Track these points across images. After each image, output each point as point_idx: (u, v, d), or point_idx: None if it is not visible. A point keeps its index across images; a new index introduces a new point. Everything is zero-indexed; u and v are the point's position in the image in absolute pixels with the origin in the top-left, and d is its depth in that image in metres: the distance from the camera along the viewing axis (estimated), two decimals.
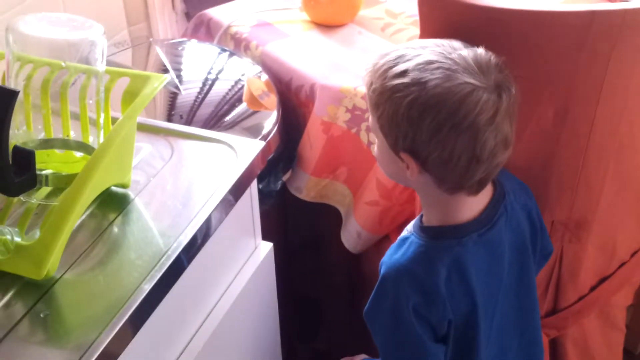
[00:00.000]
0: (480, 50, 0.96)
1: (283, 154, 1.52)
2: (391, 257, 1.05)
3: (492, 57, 0.96)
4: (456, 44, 0.97)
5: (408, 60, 0.95)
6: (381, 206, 1.47)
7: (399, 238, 1.09)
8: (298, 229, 1.77)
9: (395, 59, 0.97)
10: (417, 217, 1.10)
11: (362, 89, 1.44)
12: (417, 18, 1.12)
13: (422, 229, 1.07)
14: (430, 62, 0.94)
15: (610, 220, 1.22)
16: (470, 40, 0.99)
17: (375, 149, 1.07)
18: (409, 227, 1.10)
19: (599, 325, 1.40)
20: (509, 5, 1.02)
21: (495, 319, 1.10)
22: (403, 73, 0.94)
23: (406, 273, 1.02)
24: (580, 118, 1.09)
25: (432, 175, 0.99)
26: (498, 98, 0.94)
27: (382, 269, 1.05)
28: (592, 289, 1.32)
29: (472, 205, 1.04)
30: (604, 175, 1.16)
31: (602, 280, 1.32)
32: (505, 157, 0.99)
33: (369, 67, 1.01)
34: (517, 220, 1.10)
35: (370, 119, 1.03)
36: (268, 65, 1.63)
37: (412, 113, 0.93)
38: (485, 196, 1.06)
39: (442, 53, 0.95)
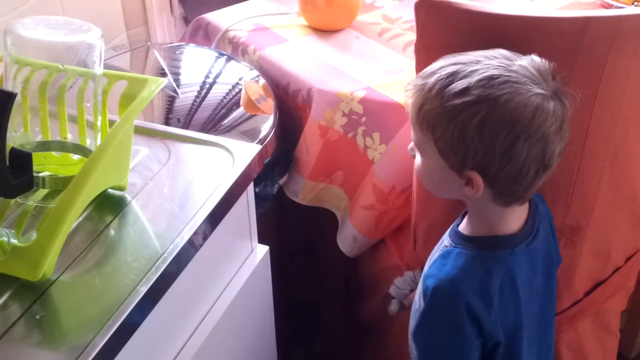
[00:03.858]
0: (536, 57, 0.95)
1: (280, 158, 1.52)
2: (440, 269, 1.02)
3: (546, 63, 0.95)
4: (506, 53, 0.95)
5: (465, 77, 0.92)
6: (377, 210, 1.47)
7: (441, 253, 1.06)
8: (294, 232, 1.77)
9: (449, 76, 0.93)
10: (453, 230, 1.08)
11: (359, 94, 1.45)
12: (414, 24, 1.12)
13: (469, 239, 1.05)
14: (494, 77, 0.91)
15: (604, 226, 1.23)
16: (466, 45, 1.00)
17: (418, 166, 1.04)
18: (448, 241, 1.07)
19: (593, 330, 1.41)
20: (505, 11, 1.03)
21: (528, 332, 1.09)
22: (464, 91, 0.91)
23: (463, 282, 1.00)
24: (575, 125, 1.09)
25: (495, 190, 0.97)
26: (562, 105, 0.93)
27: (431, 282, 1.01)
28: (587, 293, 1.32)
29: (520, 215, 1.04)
30: (598, 181, 1.16)
31: (597, 285, 1.32)
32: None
33: (411, 88, 0.98)
34: (546, 230, 1.10)
35: (416, 137, 1.00)
36: (265, 70, 1.63)
37: (484, 131, 0.91)
38: (526, 206, 1.05)
39: (502, 66, 0.92)
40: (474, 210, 1.05)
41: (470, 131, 0.92)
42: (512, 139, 0.91)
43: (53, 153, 1.05)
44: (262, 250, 1.25)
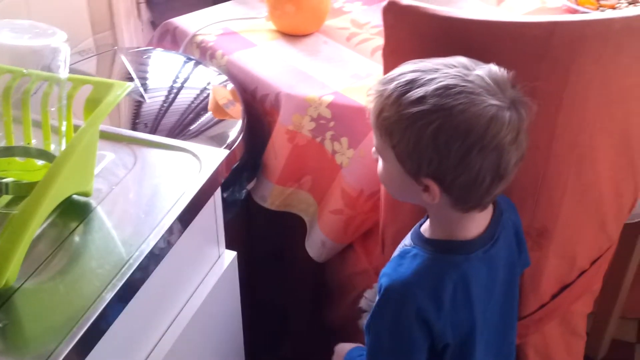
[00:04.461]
0: (494, 67, 0.95)
1: (248, 163, 1.52)
2: (395, 269, 1.03)
3: (504, 73, 0.95)
4: (466, 61, 0.96)
5: (422, 85, 0.93)
6: (345, 215, 1.47)
7: (399, 252, 1.07)
8: (262, 238, 1.76)
9: (406, 84, 0.94)
10: (415, 230, 1.09)
11: (327, 98, 1.45)
12: (382, 28, 1.13)
13: (427, 241, 1.05)
14: (450, 87, 0.91)
15: (570, 229, 1.24)
16: (433, 50, 1.00)
17: (380, 170, 1.05)
18: (408, 241, 1.08)
19: (560, 333, 1.42)
20: (471, 16, 1.03)
21: (482, 337, 1.09)
22: (420, 99, 0.92)
23: (415, 285, 1.01)
24: (541, 128, 1.10)
25: (452, 197, 0.98)
26: (519, 115, 0.94)
27: (385, 281, 1.02)
28: (553, 296, 1.33)
29: (479, 222, 1.04)
30: (564, 185, 1.17)
31: (563, 288, 1.33)
32: (519, 169, 0.99)
33: (372, 93, 0.98)
34: (509, 238, 1.10)
35: (376, 142, 1.01)
36: (233, 74, 1.63)
37: (438, 140, 0.92)
38: (488, 213, 1.06)
39: (459, 75, 0.93)
40: (433, 215, 1.06)
41: (425, 140, 0.92)
42: (466, 148, 0.92)
43: (17, 159, 1.04)
44: (230, 255, 1.24)
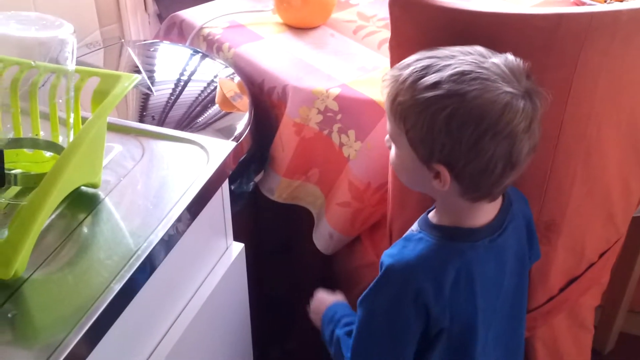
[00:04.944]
0: (510, 57, 0.95)
1: (255, 156, 1.52)
2: (399, 251, 1.04)
3: (521, 63, 0.95)
4: (481, 49, 0.96)
5: (437, 71, 0.93)
6: (353, 207, 1.47)
7: (405, 235, 1.08)
8: (270, 230, 1.76)
9: (422, 69, 0.94)
10: (424, 216, 1.09)
11: (334, 91, 1.45)
12: (389, 21, 1.12)
13: (434, 227, 1.06)
14: (465, 73, 0.92)
15: (578, 222, 1.23)
16: (440, 42, 1.00)
17: (392, 157, 1.05)
18: (415, 226, 1.09)
19: (568, 326, 1.42)
20: (478, 7, 1.03)
21: (492, 328, 1.10)
22: (436, 84, 0.92)
23: (417, 267, 1.01)
24: (549, 121, 1.09)
25: (462, 185, 0.98)
26: (533, 105, 0.94)
27: (387, 261, 1.03)
28: (562, 289, 1.33)
29: (488, 211, 1.05)
30: (572, 177, 1.17)
31: (571, 281, 1.33)
32: (530, 161, 0.99)
33: (387, 78, 0.99)
34: (519, 229, 1.10)
35: (390, 128, 1.01)
36: (240, 67, 1.63)
37: (451, 126, 0.92)
38: (497, 203, 1.06)
39: (475, 62, 0.93)
40: (441, 203, 1.06)
41: (438, 125, 0.93)
42: (479, 134, 0.92)
43: (25, 150, 1.04)
44: (238, 247, 1.24)
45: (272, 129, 1.56)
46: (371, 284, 1.05)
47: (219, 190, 1.11)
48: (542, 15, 1.02)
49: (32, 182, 0.97)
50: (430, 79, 0.93)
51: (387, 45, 1.15)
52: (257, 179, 1.57)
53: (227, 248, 1.23)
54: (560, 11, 1.02)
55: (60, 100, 1.00)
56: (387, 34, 1.32)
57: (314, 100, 1.46)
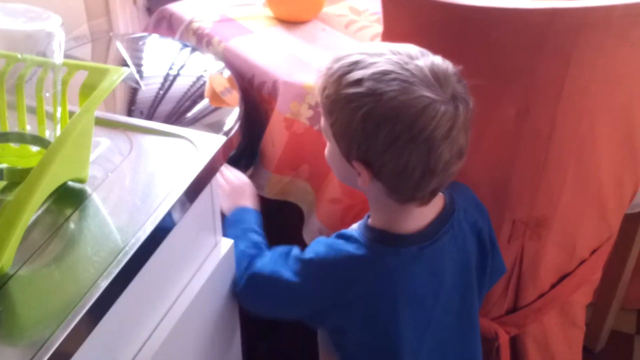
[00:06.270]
0: (438, 60, 0.94)
1: (245, 151, 1.51)
2: (328, 247, 1.06)
3: (450, 67, 0.94)
4: (413, 50, 0.95)
5: (363, 67, 0.93)
6: (343, 204, 1.46)
7: (343, 231, 1.09)
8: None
9: (350, 65, 0.95)
10: (365, 216, 1.10)
11: None
12: (381, 15, 1.12)
13: (368, 227, 1.06)
14: (386, 73, 0.92)
15: (570, 219, 1.23)
16: (432, 36, 0.99)
17: (326, 150, 1.06)
18: (355, 226, 1.09)
19: (559, 323, 1.42)
20: (471, 2, 1.03)
21: (428, 337, 1.09)
22: (358, 82, 0.92)
23: (332, 269, 1.04)
24: (542, 117, 1.09)
25: (384, 185, 0.98)
26: (455, 110, 0.93)
27: (309, 255, 1.07)
28: (553, 286, 1.33)
29: (419, 217, 1.04)
30: (564, 174, 1.16)
31: (563, 278, 1.33)
32: (458, 167, 0.98)
33: (322, 70, 0.99)
34: (463, 240, 1.09)
35: (322, 121, 1.02)
36: (230, 61, 1.62)
37: (367, 125, 0.92)
38: (433, 210, 1.05)
39: (399, 63, 0.93)
40: (372, 202, 1.06)
41: (356, 122, 0.93)
42: (394, 137, 0.92)
43: (11, 144, 1.03)
44: (227, 243, 1.23)
45: (262, 124, 1.55)
46: (304, 253, 1.09)
47: (208, 185, 1.10)
48: (536, 10, 1.02)
49: (18, 177, 0.96)
50: (355, 75, 0.93)
51: (379, 40, 1.14)
52: (247, 174, 1.56)
53: (216, 244, 1.22)
54: (554, 6, 1.01)
55: (48, 94, 0.99)
56: (379, 28, 1.32)
57: (304, 96, 1.45)
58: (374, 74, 0.92)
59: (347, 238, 1.06)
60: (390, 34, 1.11)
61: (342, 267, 1.04)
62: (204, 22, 1.73)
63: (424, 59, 0.94)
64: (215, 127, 1.43)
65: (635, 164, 1.24)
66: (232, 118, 1.44)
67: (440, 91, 0.92)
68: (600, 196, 1.24)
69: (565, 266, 1.31)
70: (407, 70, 0.92)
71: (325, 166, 1.48)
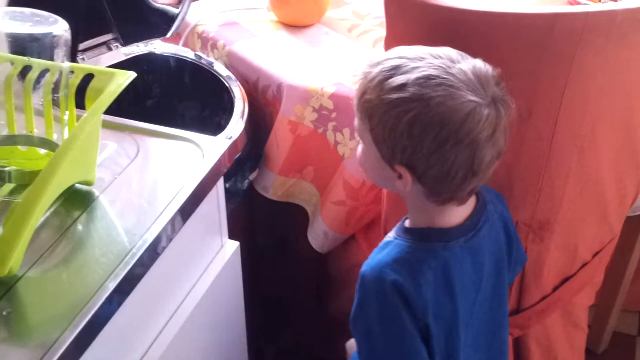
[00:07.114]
0: (479, 63, 0.95)
1: (250, 154, 1.52)
2: (373, 258, 1.03)
3: (490, 70, 0.95)
4: (453, 54, 0.95)
5: (405, 72, 0.93)
6: (348, 206, 1.47)
7: (380, 245, 1.07)
8: (265, 228, 1.76)
9: (391, 69, 0.94)
10: (400, 223, 1.09)
11: (329, 89, 1.45)
12: (384, 19, 1.12)
13: (408, 231, 1.05)
14: (431, 78, 0.91)
15: (572, 221, 1.24)
16: (435, 41, 1.00)
17: (359, 154, 1.05)
18: (392, 233, 1.08)
19: (561, 325, 1.42)
20: (473, 7, 1.03)
21: (470, 331, 1.09)
22: (402, 87, 0.92)
23: (388, 267, 1.00)
24: (544, 120, 1.10)
25: (426, 187, 0.98)
26: (497, 113, 0.93)
27: (362, 270, 1.02)
28: (555, 288, 1.33)
29: (459, 213, 1.04)
30: (566, 176, 1.17)
31: (565, 280, 1.33)
32: (495, 167, 0.99)
33: (358, 74, 0.98)
34: (496, 231, 1.10)
35: (357, 124, 1.01)
36: (235, 65, 1.62)
37: (413, 129, 0.92)
38: (470, 204, 1.05)
39: (442, 67, 0.93)
40: (411, 204, 1.06)
41: (401, 127, 0.93)
42: (440, 141, 0.92)
43: (19, 147, 1.04)
44: (233, 245, 1.24)
45: (267, 127, 1.56)
46: (354, 303, 1.04)
47: (214, 188, 1.11)
48: (537, 14, 1.03)
49: (26, 180, 0.97)
50: (397, 80, 0.92)
51: (382, 43, 1.15)
52: (252, 177, 1.56)
53: (222, 246, 1.23)
54: (555, 11, 1.02)
55: (55, 97, 1.00)
56: (382, 32, 1.32)
57: (308, 99, 1.46)
58: (418, 78, 0.92)
59: (391, 245, 1.04)
60: (393, 37, 1.12)
61: (396, 267, 1.01)
62: (209, 25, 1.74)
63: (466, 63, 0.94)
64: (221, 130, 1.44)
65: (636, 167, 1.24)
66: (237, 121, 1.45)
67: (484, 94, 0.92)
68: (602, 199, 1.24)
69: (567, 268, 1.32)
70: (451, 74, 0.92)
71: (329, 168, 1.49)
